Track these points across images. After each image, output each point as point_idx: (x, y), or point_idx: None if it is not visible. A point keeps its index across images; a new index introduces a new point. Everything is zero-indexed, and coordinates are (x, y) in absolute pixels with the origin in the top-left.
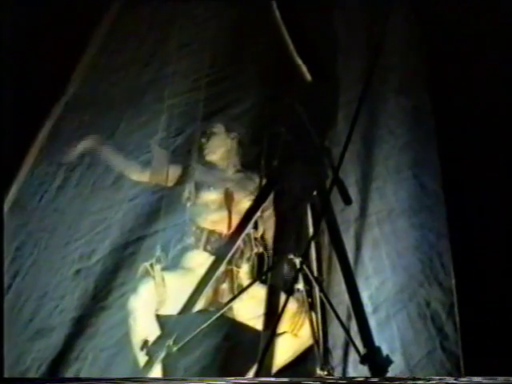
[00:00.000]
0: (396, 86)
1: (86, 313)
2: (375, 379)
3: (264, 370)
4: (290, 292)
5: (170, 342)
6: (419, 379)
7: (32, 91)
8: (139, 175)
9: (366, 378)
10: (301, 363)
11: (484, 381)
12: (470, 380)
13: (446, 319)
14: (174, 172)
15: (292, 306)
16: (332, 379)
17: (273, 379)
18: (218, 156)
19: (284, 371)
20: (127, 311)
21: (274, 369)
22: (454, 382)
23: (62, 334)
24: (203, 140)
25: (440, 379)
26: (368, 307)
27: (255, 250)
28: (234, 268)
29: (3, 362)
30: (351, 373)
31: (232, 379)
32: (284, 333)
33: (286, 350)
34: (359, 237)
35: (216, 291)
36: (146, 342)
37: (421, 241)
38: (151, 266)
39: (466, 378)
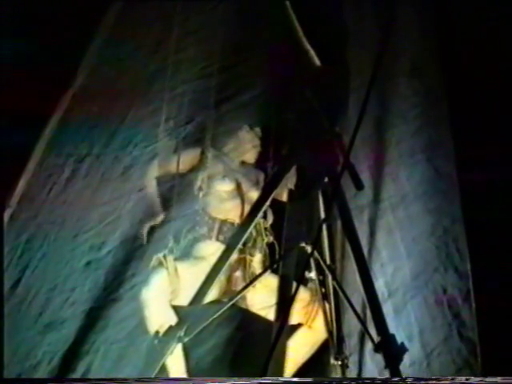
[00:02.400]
0: (408, 70)
1: (96, 305)
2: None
3: (275, 363)
4: (301, 280)
5: (181, 332)
6: (432, 379)
7: (40, 83)
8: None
9: (373, 379)
10: (314, 353)
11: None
12: (483, 380)
13: (463, 305)
14: (189, 158)
15: (305, 295)
16: (342, 380)
17: (282, 379)
18: (238, 151)
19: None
20: (139, 303)
21: (294, 366)
22: (465, 381)
23: (73, 326)
24: (226, 140)
25: (452, 379)
26: (384, 294)
27: (266, 240)
28: (248, 257)
29: (3, 362)
30: (368, 361)
31: (238, 379)
32: (299, 325)
33: (303, 344)
34: (373, 223)
35: (229, 280)
36: (157, 333)
37: (435, 226)
38: (164, 256)
39: (480, 378)
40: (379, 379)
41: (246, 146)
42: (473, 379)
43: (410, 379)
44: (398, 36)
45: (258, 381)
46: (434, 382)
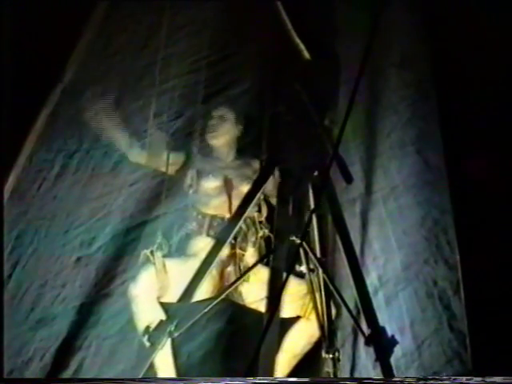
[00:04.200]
0: (398, 61)
1: (88, 301)
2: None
3: (266, 357)
4: (290, 273)
5: (172, 327)
6: (430, 379)
7: (29, 78)
8: (136, 156)
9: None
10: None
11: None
12: (484, 380)
13: (453, 297)
14: (176, 159)
15: (300, 288)
16: (338, 380)
17: (278, 379)
18: (221, 142)
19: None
20: (128, 299)
21: (293, 359)
22: (466, 382)
23: (65, 322)
24: (209, 123)
25: (454, 379)
26: (377, 287)
27: (260, 234)
28: (238, 251)
29: (3, 362)
30: (362, 355)
31: (235, 379)
32: (297, 318)
33: (300, 337)
34: (365, 215)
35: (222, 275)
36: (147, 329)
37: (425, 217)
38: (151, 253)
39: (480, 378)
40: (379, 379)
41: (226, 136)
42: (474, 379)
43: (409, 379)
44: (387, 28)
45: (255, 381)
46: (433, 382)
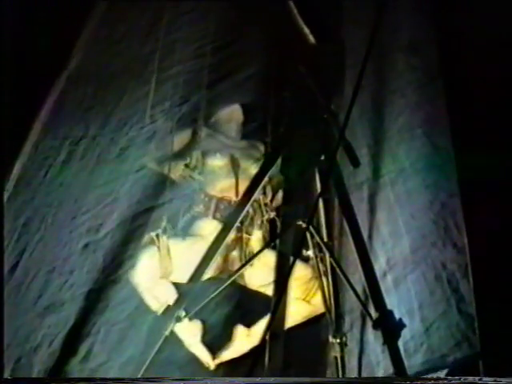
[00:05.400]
0: (405, 45)
1: (95, 287)
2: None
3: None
4: (297, 257)
5: (180, 312)
6: (442, 379)
7: (34, 66)
8: None
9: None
10: (313, 331)
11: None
12: (496, 380)
13: (462, 280)
14: (183, 138)
15: (306, 272)
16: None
17: (280, 379)
18: (227, 126)
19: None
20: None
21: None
22: (478, 382)
23: (73, 308)
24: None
25: (465, 379)
26: (386, 271)
27: (266, 217)
28: (245, 235)
29: (3, 362)
30: (370, 338)
31: (236, 379)
32: (296, 299)
33: (295, 314)
34: (372, 199)
35: (226, 259)
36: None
37: (433, 201)
38: (157, 235)
39: (493, 378)
40: (380, 378)
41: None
42: (485, 379)
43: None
44: (394, 13)
45: (255, 381)
46: (443, 381)
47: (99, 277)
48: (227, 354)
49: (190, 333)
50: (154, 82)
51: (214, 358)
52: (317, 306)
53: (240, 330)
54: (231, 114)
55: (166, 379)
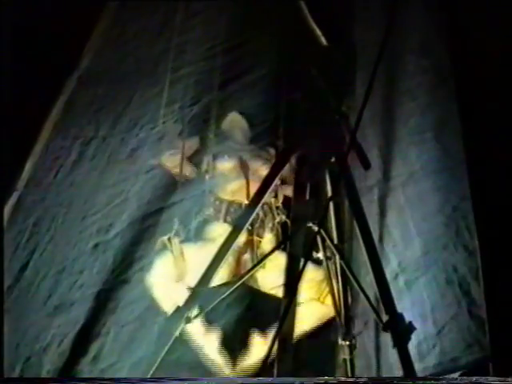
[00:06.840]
0: (416, 47)
1: (105, 287)
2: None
3: (283, 338)
4: (307, 259)
5: (190, 313)
6: (452, 379)
7: (45, 66)
8: None
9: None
10: (323, 333)
11: None
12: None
13: (473, 283)
14: (194, 140)
15: (317, 274)
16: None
17: (280, 379)
18: (233, 133)
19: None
20: (146, 286)
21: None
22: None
23: (82, 309)
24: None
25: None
26: (398, 274)
27: (277, 219)
28: (256, 238)
29: (3, 362)
30: (383, 339)
31: (238, 379)
32: (311, 299)
33: (310, 315)
34: (383, 201)
35: (238, 262)
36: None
37: (444, 204)
38: (169, 239)
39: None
40: (382, 378)
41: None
42: (491, 379)
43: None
44: (405, 14)
45: (256, 381)
46: (454, 381)
47: (109, 277)
48: (246, 362)
49: (207, 338)
50: (167, 82)
51: (233, 365)
52: (330, 306)
53: (257, 337)
54: (231, 123)
55: (166, 379)
